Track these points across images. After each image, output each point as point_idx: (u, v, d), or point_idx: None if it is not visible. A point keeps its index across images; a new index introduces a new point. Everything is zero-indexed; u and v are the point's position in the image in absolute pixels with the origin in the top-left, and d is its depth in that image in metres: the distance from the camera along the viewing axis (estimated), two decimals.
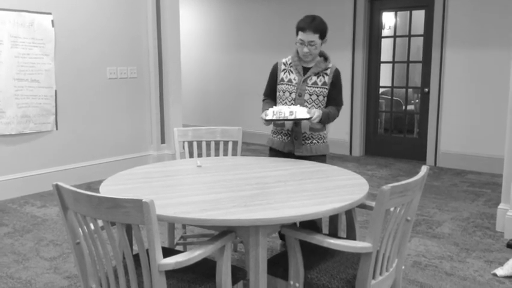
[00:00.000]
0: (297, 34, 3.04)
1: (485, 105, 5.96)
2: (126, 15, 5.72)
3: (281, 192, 2.22)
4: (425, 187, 5.26)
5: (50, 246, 3.62)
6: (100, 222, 1.81)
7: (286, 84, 3.13)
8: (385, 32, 7.39)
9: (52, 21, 5.02)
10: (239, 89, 8.35)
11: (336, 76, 3.13)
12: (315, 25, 2.97)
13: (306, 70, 3.12)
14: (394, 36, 6.83)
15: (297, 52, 3.12)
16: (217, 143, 4.07)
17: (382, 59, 6.90)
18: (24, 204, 4.69)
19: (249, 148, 7.67)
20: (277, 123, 3.18)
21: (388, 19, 7.65)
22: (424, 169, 2.10)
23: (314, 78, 3.09)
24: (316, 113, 2.93)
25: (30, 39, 4.86)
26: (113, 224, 1.76)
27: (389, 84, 7.05)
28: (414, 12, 6.60)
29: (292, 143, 3.14)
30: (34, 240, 3.76)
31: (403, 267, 2.28)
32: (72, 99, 5.31)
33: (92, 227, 1.80)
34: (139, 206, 1.62)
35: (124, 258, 1.92)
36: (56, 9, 5.07)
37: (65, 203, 1.82)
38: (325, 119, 3.04)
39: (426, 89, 6.47)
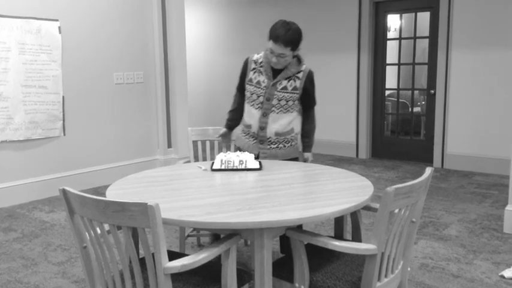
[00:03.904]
0: (269, 39, 2.84)
1: (492, 106, 5.93)
2: (132, 20, 5.76)
3: (286, 194, 2.23)
4: (432, 189, 5.24)
5: (58, 251, 3.65)
6: (106, 226, 1.83)
7: (255, 86, 2.98)
8: (391, 34, 7.38)
9: (59, 27, 5.07)
10: None
11: (310, 80, 2.98)
12: (288, 38, 2.76)
13: (275, 72, 2.94)
14: (400, 38, 6.83)
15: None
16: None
17: (388, 61, 6.89)
18: (32, 209, 4.73)
19: None
20: (246, 124, 3.11)
21: (393, 21, 7.65)
22: (428, 171, 2.11)
23: (284, 82, 2.93)
24: (310, 158, 3.17)
25: (38, 46, 4.91)
26: (119, 227, 1.78)
27: (395, 86, 7.04)
28: (419, 14, 6.60)
29: (257, 147, 3.05)
30: (42, 245, 3.79)
31: (409, 269, 2.28)
32: (79, 105, 5.35)
33: (99, 231, 1.82)
34: (144, 210, 1.64)
35: (130, 261, 1.94)
36: (63, 16, 5.12)
37: (72, 207, 1.84)
38: (313, 141, 3.21)
39: (432, 91, 6.46)
